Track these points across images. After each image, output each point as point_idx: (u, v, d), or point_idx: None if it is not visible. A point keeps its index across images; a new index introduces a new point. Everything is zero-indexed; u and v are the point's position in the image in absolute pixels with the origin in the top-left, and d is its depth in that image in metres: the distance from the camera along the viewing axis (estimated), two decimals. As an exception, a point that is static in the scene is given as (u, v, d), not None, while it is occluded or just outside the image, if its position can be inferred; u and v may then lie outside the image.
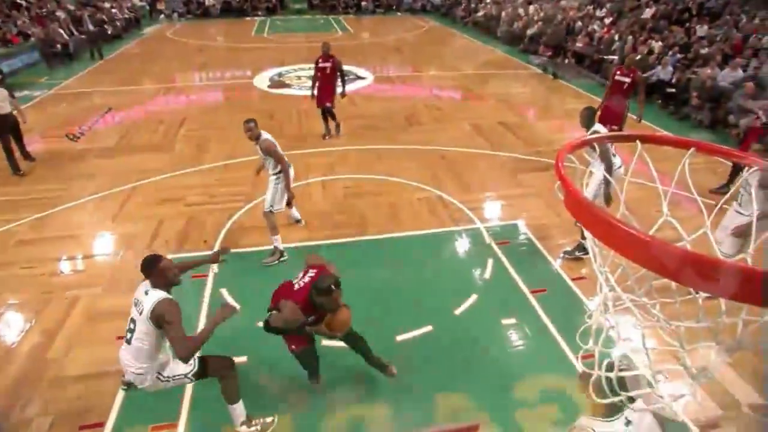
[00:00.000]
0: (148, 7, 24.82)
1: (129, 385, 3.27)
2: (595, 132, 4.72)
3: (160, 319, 2.82)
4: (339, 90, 8.43)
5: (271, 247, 5.22)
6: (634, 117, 7.63)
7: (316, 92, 8.38)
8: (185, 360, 2.83)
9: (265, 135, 5.03)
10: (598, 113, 7.23)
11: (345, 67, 13.63)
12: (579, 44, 14.54)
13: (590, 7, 18.04)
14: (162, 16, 24.69)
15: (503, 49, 17.38)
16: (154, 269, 2.92)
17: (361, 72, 13.61)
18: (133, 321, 2.95)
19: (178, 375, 3.10)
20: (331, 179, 7.10)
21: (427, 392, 3.67)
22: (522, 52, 16.47)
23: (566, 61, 14.45)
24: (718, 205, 1.94)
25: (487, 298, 4.69)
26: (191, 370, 3.12)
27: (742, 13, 13.28)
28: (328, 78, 8.27)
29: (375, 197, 6.58)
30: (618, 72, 7.41)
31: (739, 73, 9.65)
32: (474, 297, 4.67)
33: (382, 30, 21.65)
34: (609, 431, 1.58)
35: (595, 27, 15.68)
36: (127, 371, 3.02)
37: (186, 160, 7.76)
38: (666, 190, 1.59)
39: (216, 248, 5.31)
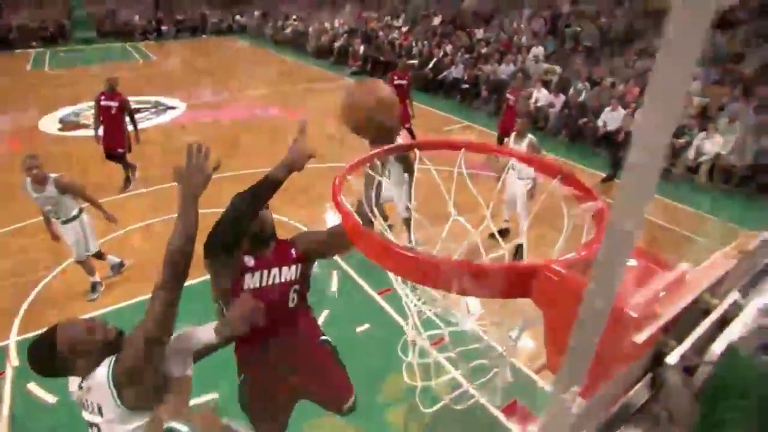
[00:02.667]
0: None
1: None
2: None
3: (130, 393, 1.70)
4: (130, 129, 7.26)
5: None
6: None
7: (102, 134, 7.15)
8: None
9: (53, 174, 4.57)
10: None
11: (152, 98, 12.56)
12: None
13: (388, 18, 19.62)
14: None
15: (315, 63, 17.83)
16: (53, 364, 1.74)
17: (171, 102, 12.65)
18: (95, 426, 1.80)
19: None
20: (155, 221, 6.43)
21: (297, 422, 3.55)
22: (334, 65, 17.12)
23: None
24: (501, 180, 2.20)
25: (338, 311, 4.73)
26: None
27: (505, 17, 15.79)
28: (114, 119, 7.07)
29: (205, 233, 6.15)
30: (395, 76, 8.38)
31: (511, 66, 11.45)
32: (326, 313, 4.67)
33: (189, 54, 20.42)
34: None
35: (395, 35, 17.09)
36: None
37: (-45, 234, 6.27)
38: (449, 188, 1.72)
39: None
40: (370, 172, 1.45)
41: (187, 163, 1.83)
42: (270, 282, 2.19)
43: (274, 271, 2.20)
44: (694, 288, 0.94)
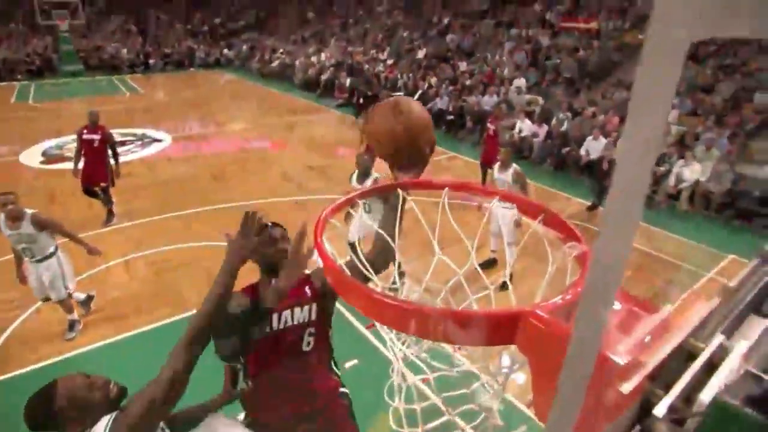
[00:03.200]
0: None
1: None
2: (376, 180, 4.98)
3: None
4: (112, 163, 7.16)
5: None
6: None
7: (81, 167, 7.01)
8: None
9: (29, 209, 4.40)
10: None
11: (138, 131, 12.56)
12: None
13: (374, 51, 20.08)
14: None
15: (302, 95, 18.08)
16: (49, 420, 1.65)
17: (157, 134, 12.64)
18: None
19: None
20: (136, 257, 6.31)
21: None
22: (320, 97, 17.36)
23: (360, 100, 15.70)
24: (486, 217, 2.21)
25: (325, 346, 4.65)
26: None
27: (487, 51, 16.26)
28: (97, 153, 6.98)
29: (190, 267, 6.05)
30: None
31: (495, 98, 11.72)
32: (313, 348, 4.59)
33: (176, 87, 20.57)
34: None
35: (380, 68, 17.45)
36: None
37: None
38: (433, 218, 1.71)
39: None
40: (351, 211, 1.44)
41: (240, 229, 1.80)
42: (281, 326, 2.00)
43: (285, 314, 2.01)
44: (679, 331, 0.93)
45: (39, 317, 5.11)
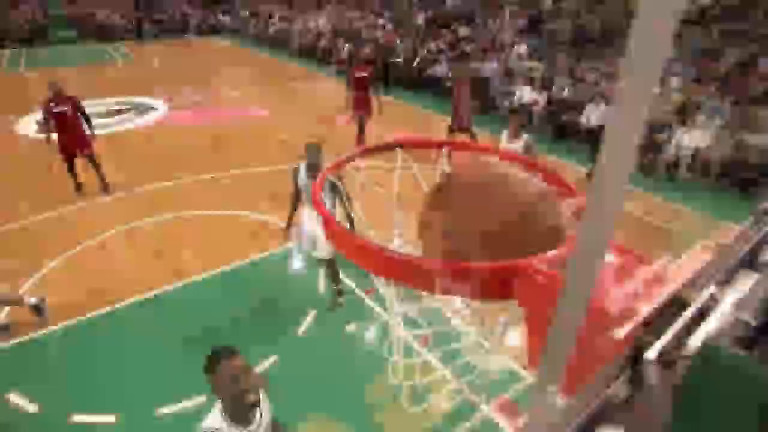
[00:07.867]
0: None
1: None
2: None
3: None
4: (88, 133, 6.99)
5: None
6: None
7: (55, 138, 6.85)
8: None
9: None
10: (352, 103, 8.78)
11: (135, 99, 12.37)
12: (366, 50, 15.63)
13: (372, 17, 19.59)
14: None
15: (299, 62, 17.73)
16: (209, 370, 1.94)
17: (153, 102, 12.45)
18: None
19: None
20: (135, 226, 6.33)
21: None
22: (318, 63, 17.04)
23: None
24: None
25: (325, 311, 4.73)
26: None
27: (488, 17, 15.86)
28: (72, 122, 6.82)
29: (190, 236, 6.08)
30: (356, 70, 8.80)
31: (494, 64, 11.51)
32: (313, 313, 4.66)
33: (171, 54, 20.13)
34: None
35: (378, 34, 17.06)
36: None
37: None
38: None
39: None
40: (337, 182, 1.44)
41: None
42: None
43: None
44: (673, 283, 0.95)
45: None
